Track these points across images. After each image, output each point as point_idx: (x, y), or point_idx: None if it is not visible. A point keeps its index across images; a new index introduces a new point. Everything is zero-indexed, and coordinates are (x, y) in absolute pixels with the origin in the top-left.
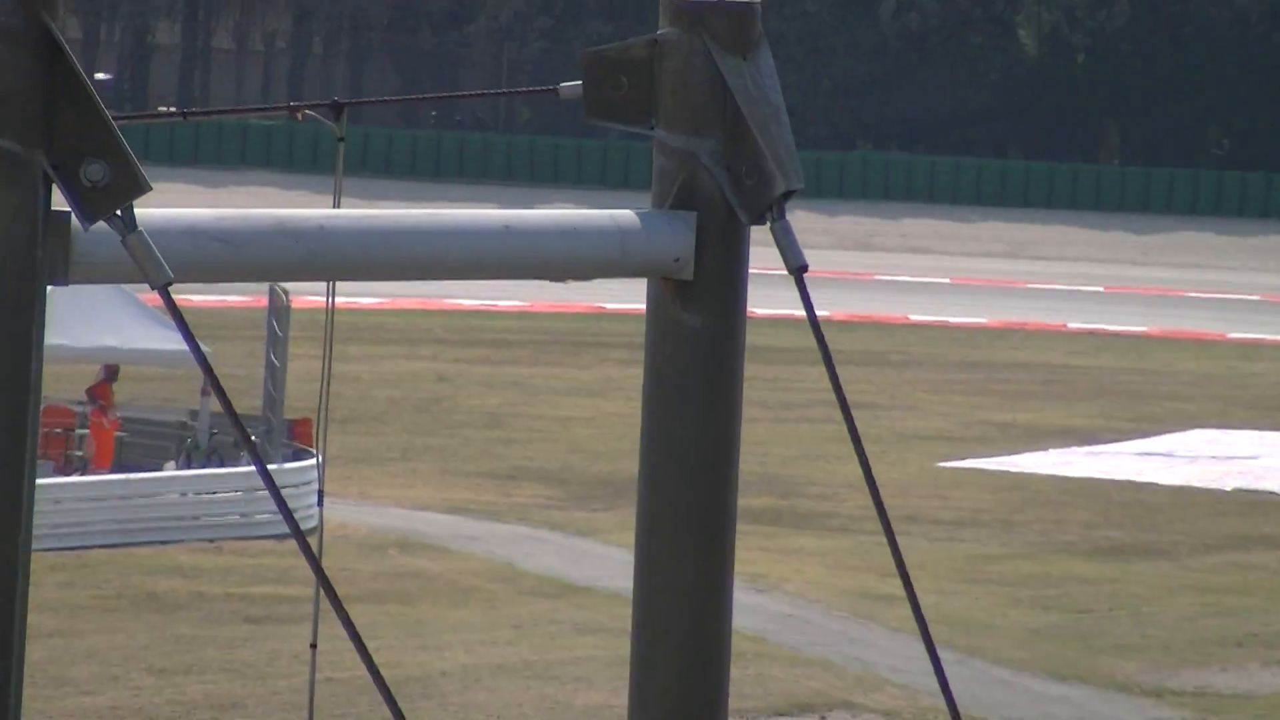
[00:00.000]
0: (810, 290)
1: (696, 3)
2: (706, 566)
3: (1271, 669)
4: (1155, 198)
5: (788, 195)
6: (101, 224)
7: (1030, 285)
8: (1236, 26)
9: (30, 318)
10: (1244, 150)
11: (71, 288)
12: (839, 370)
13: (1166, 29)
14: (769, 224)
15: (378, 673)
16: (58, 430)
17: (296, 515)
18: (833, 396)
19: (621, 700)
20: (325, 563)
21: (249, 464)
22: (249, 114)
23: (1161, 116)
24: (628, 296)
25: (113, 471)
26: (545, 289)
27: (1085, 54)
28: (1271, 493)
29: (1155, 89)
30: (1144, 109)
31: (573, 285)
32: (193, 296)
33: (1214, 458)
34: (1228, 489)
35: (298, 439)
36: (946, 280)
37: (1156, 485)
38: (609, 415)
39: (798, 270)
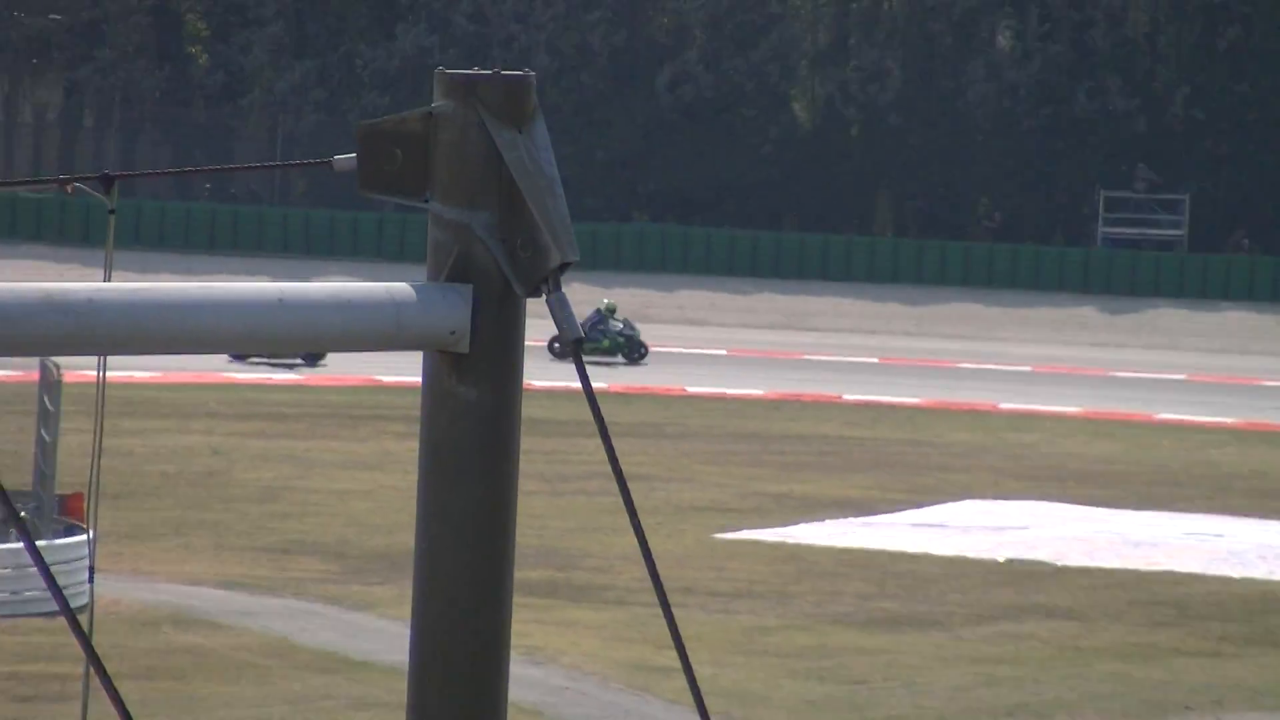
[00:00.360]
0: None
1: (471, 76)
2: (482, 639)
3: None
4: (928, 269)
5: (563, 267)
6: None
7: (806, 357)
8: (1007, 99)
9: None
10: (1015, 222)
11: None
12: (616, 442)
13: (938, 102)
14: (545, 296)
15: None
16: None
17: (67, 592)
18: (609, 468)
19: None
20: (97, 640)
21: (18, 541)
22: (18, 187)
23: (934, 189)
24: (404, 369)
25: None
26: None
27: (859, 126)
28: (1043, 563)
29: (927, 161)
30: (917, 181)
31: (347, 357)
32: None
33: (987, 528)
34: (1000, 559)
35: (69, 514)
36: (723, 352)
37: (930, 556)
38: (386, 488)
39: (574, 343)
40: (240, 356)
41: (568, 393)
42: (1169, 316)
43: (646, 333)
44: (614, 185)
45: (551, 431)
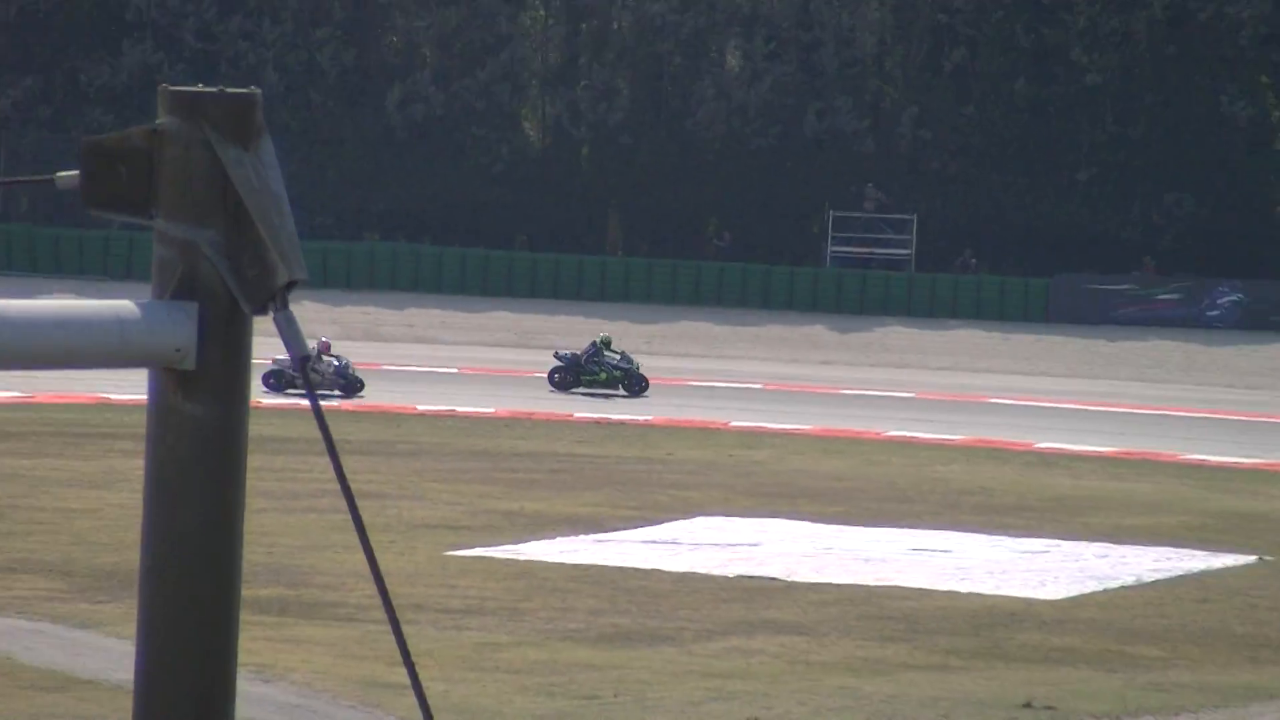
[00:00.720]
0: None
1: (196, 93)
2: (209, 656)
3: None
4: (658, 288)
5: (291, 285)
6: None
7: (537, 375)
8: (736, 119)
9: None
10: (745, 242)
11: None
12: (348, 460)
13: (667, 123)
14: (272, 314)
15: None
16: None
17: None
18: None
19: None
20: None
21: None
22: None
23: (664, 208)
24: (132, 387)
25: None
26: (46, 379)
27: (589, 146)
28: (773, 578)
29: (658, 181)
30: (647, 201)
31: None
32: None
33: (717, 544)
34: (730, 575)
35: None
36: (454, 370)
37: (662, 572)
38: (113, 506)
39: (301, 360)
40: (277, 387)
41: (298, 410)
42: (897, 335)
43: (378, 350)
44: (344, 204)
45: (282, 449)
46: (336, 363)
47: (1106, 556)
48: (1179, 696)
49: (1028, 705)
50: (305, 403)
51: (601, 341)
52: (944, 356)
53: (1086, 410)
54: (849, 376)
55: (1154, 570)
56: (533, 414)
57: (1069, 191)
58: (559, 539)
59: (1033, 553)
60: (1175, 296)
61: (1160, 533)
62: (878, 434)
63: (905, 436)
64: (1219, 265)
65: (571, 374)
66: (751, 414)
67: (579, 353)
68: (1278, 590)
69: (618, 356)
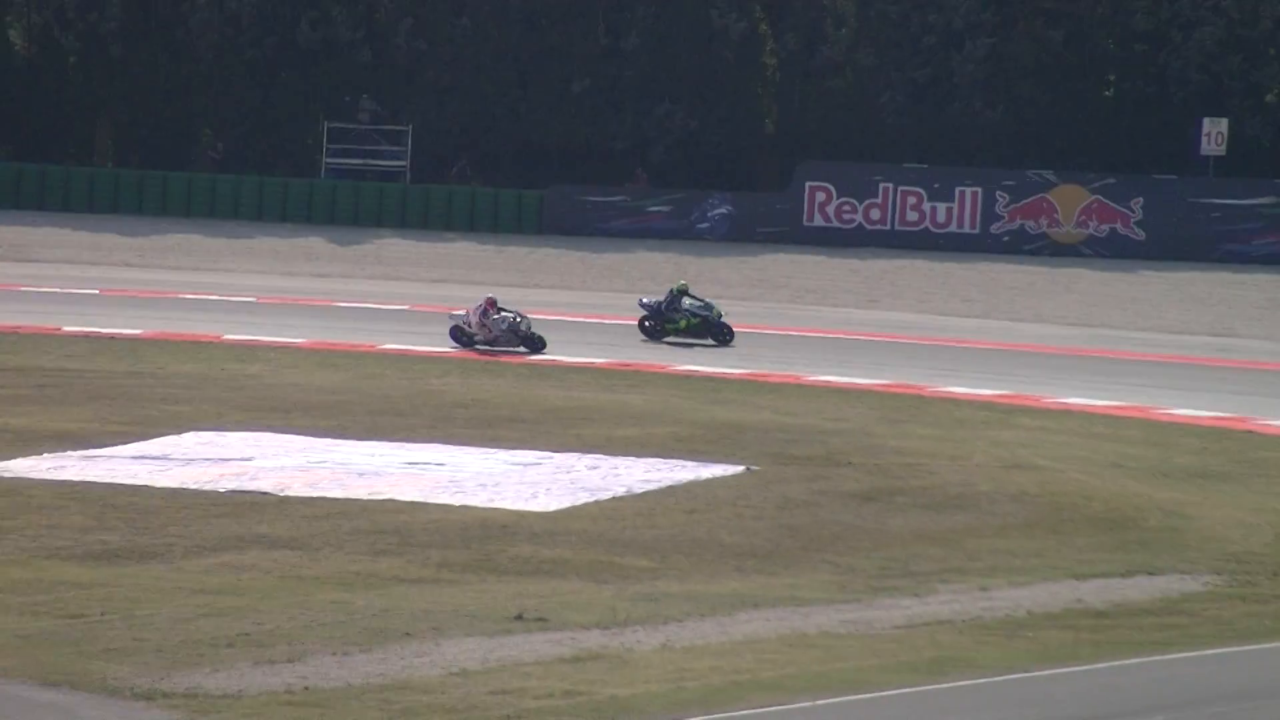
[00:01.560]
0: None
1: None
2: None
3: (262, 668)
4: (149, 200)
5: None
6: None
7: (24, 289)
8: (229, 28)
9: None
10: (239, 153)
11: None
12: None
13: (160, 32)
14: None
15: None
16: None
17: None
18: None
19: None
20: None
21: None
22: None
23: (156, 119)
24: None
25: None
26: None
27: (77, 56)
28: (265, 493)
29: (149, 91)
30: (138, 111)
31: None
32: None
33: (209, 459)
34: (222, 490)
35: None
36: None
37: (152, 488)
38: None
39: None
40: (463, 343)
41: None
42: (393, 247)
43: None
44: None
45: None
46: (512, 318)
47: (598, 468)
48: (668, 606)
49: (519, 617)
50: None
51: (678, 289)
52: (439, 268)
53: (581, 323)
54: (344, 289)
55: (644, 481)
56: (19, 328)
57: (563, 103)
58: (46, 455)
59: (525, 465)
60: (666, 209)
61: (651, 444)
62: (372, 347)
63: (400, 349)
64: (709, 178)
65: (659, 322)
66: (245, 327)
67: (660, 300)
68: (764, 500)
69: (699, 304)
